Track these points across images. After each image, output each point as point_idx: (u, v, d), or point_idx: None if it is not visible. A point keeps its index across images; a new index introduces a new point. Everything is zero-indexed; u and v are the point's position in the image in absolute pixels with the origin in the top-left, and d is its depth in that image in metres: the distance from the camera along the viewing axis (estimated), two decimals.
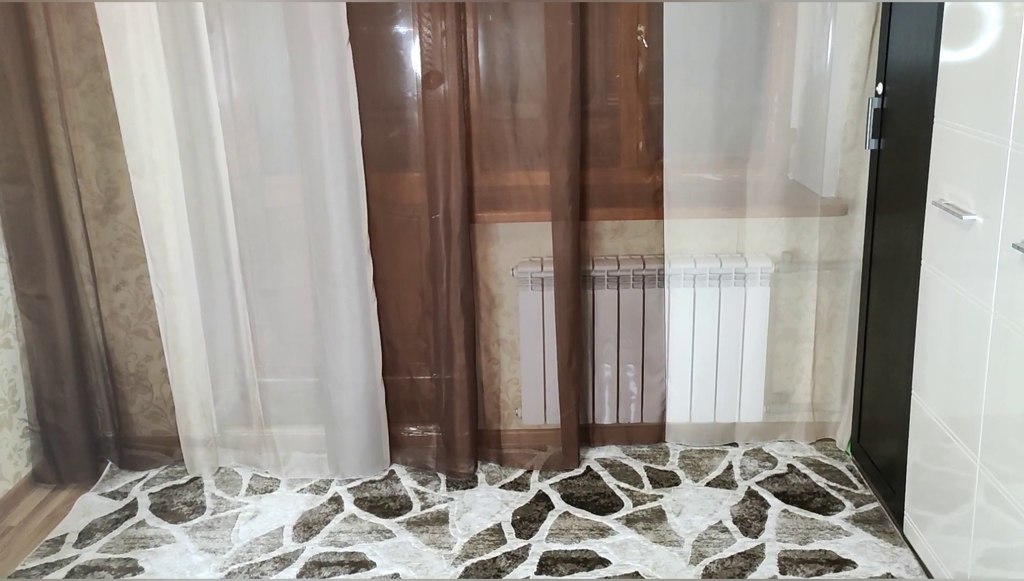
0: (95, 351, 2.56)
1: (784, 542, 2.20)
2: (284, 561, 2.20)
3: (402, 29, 2.47)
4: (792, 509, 2.34)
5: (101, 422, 2.64)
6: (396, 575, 2.14)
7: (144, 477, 2.63)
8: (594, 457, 2.66)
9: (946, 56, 1.84)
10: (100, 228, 2.48)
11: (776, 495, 2.41)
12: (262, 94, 2.48)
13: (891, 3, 2.16)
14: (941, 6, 1.84)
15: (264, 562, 2.20)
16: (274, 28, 2.37)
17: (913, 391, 2.06)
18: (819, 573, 2.07)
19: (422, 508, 2.43)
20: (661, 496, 2.43)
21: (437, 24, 2.33)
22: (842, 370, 2.61)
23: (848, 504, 2.35)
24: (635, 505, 2.39)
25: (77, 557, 2.24)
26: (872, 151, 2.31)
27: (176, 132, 2.36)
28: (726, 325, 2.55)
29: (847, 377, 2.58)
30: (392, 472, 2.63)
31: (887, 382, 2.29)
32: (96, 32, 2.27)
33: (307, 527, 2.35)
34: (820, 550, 2.16)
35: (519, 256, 2.57)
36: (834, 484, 2.45)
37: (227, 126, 2.41)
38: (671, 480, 2.52)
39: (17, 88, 2.25)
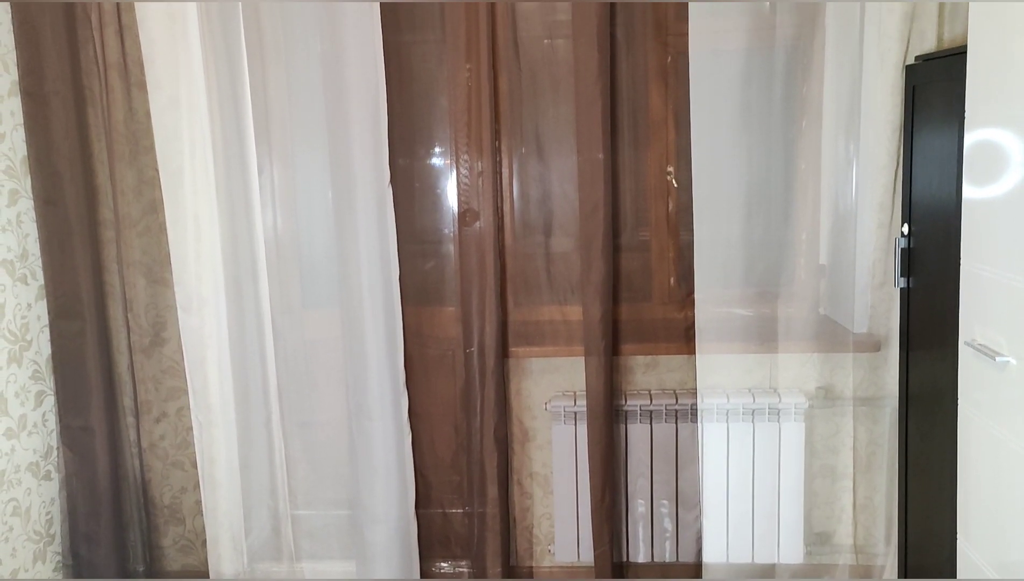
0: (132, 483, 2.59)
1: None
2: None
3: (440, 167, 2.60)
4: None
5: (133, 555, 2.63)
6: None
7: None
8: None
9: (968, 196, 1.87)
10: (145, 361, 2.56)
11: None
12: (305, 231, 2.60)
13: (912, 146, 2.23)
14: (961, 148, 1.89)
15: None
16: (319, 168, 2.51)
17: (959, 535, 2.00)
18: None
19: None
20: None
21: (474, 164, 2.45)
22: (884, 510, 2.54)
23: None
24: None
25: None
26: (902, 289, 2.33)
27: (223, 269, 2.46)
28: (761, 461, 2.51)
29: (890, 517, 2.51)
30: None
31: (931, 524, 2.22)
32: (155, 177, 2.41)
33: None
34: None
35: (552, 390, 2.59)
36: None
37: (271, 262, 2.51)
38: None
39: (79, 230, 2.39)
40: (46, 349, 2.45)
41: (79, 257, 2.40)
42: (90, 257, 2.42)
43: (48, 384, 2.48)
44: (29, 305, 2.40)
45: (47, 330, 2.45)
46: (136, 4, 2.31)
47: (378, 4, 2.33)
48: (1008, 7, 1.63)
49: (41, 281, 2.43)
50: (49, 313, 2.42)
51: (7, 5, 2.29)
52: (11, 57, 2.31)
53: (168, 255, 2.44)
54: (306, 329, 2.62)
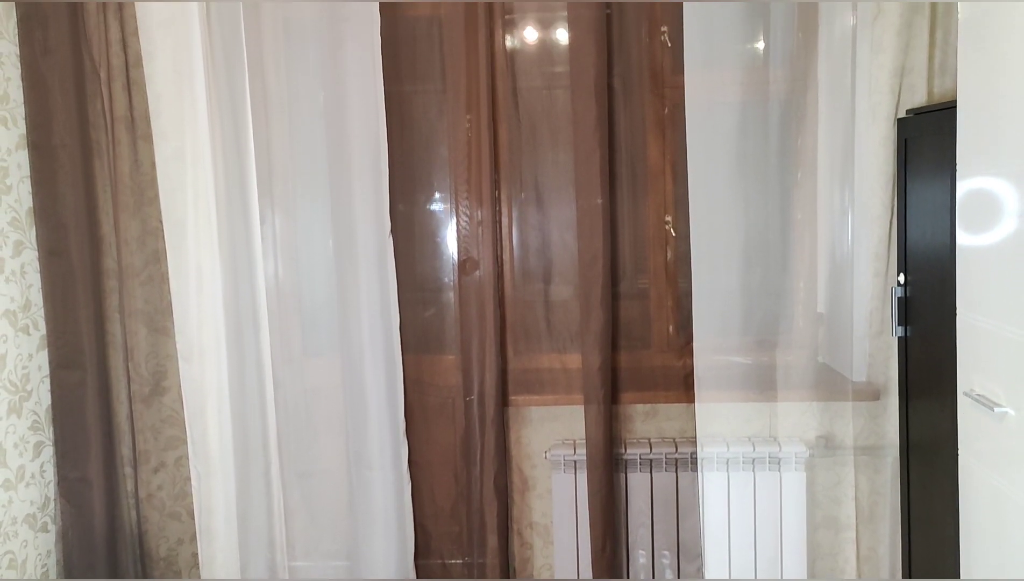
0: (128, 535, 2.57)
1: None
2: None
3: (441, 215, 2.63)
4: None
5: None
6: None
7: None
8: None
9: (962, 246, 1.89)
10: (145, 410, 2.55)
11: None
12: (306, 279, 2.62)
13: (906, 197, 2.27)
14: (954, 199, 1.92)
15: None
16: (321, 218, 2.54)
17: None
18: None
19: None
20: None
21: (474, 213, 2.48)
22: (888, 561, 2.52)
23: None
24: None
25: None
26: (900, 338, 2.35)
27: (224, 318, 2.47)
28: (763, 511, 2.50)
29: (894, 569, 2.49)
30: None
31: (935, 575, 2.20)
32: (159, 227, 2.44)
33: None
34: None
35: (552, 439, 2.59)
36: None
37: (272, 311, 2.53)
38: None
39: (82, 280, 2.40)
40: (46, 399, 2.45)
41: (81, 307, 2.41)
42: (92, 307, 2.43)
43: (47, 435, 2.47)
44: (30, 355, 2.40)
45: (47, 380, 2.45)
46: (145, 61, 2.35)
47: (380, 56, 2.38)
48: (997, 63, 1.67)
49: (43, 331, 2.44)
50: (50, 363, 2.43)
51: (16, 59, 2.34)
52: (19, 111, 2.35)
53: (170, 304, 2.45)
54: (306, 378, 2.62)
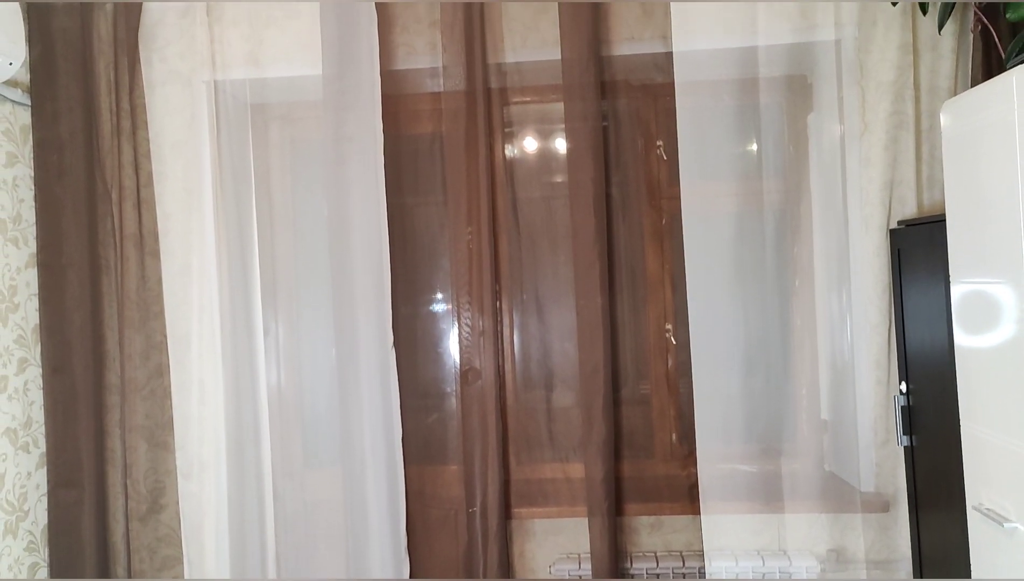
0: None
1: None
2: None
3: (443, 325, 2.65)
4: None
5: None
6: None
7: None
8: None
9: (960, 347, 1.89)
10: (141, 528, 2.50)
11: None
12: (309, 389, 2.63)
13: (902, 305, 2.29)
14: (949, 309, 1.94)
15: None
16: (324, 329, 2.57)
17: None
18: None
19: None
20: None
21: (476, 323, 2.49)
22: None
23: None
24: None
25: None
26: (905, 447, 2.33)
27: (226, 432, 2.46)
28: None
29: None
30: None
31: None
32: (163, 342, 2.46)
33: None
34: None
35: (556, 552, 2.53)
36: None
37: (274, 423, 2.52)
38: None
39: (84, 396, 2.40)
40: (43, 519, 2.42)
41: (82, 423, 2.40)
42: (93, 423, 2.42)
43: (42, 556, 2.42)
44: (29, 473, 2.38)
45: (45, 499, 2.42)
46: (156, 181, 2.44)
47: (383, 172, 2.44)
48: (981, 177, 1.72)
49: (43, 449, 2.42)
50: (48, 482, 2.40)
51: (30, 181, 2.41)
52: (31, 231, 2.41)
53: (171, 419, 2.45)
54: (307, 491, 2.59)
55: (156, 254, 2.44)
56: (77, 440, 2.40)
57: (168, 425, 2.47)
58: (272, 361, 2.58)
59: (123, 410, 2.48)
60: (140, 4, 2.45)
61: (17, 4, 2.30)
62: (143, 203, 2.43)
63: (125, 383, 2.47)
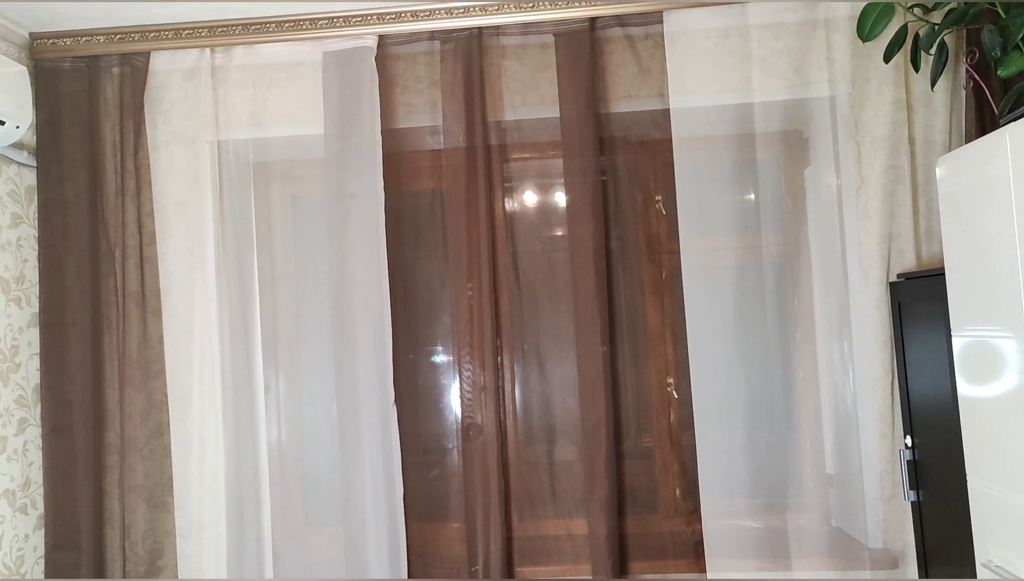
0: None
1: None
2: None
3: (444, 381, 2.64)
4: None
5: None
6: None
7: None
8: None
9: (964, 397, 1.88)
10: None
11: None
12: (309, 447, 2.61)
13: (904, 358, 2.28)
14: (952, 362, 1.94)
15: None
16: (325, 386, 2.56)
17: None
18: None
19: None
20: None
21: (477, 379, 2.48)
22: None
23: None
24: None
25: None
26: (912, 502, 2.30)
27: (226, 492, 2.44)
28: None
29: None
30: None
31: None
32: (164, 400, 2.45)
33: None
34: None
35: None
36: None
37: (274, 482, 2.50)
38: None
39: (83, 456, 2.39)
40: None
41: (81, 484, 2.38)
42: (92, 483, 2.40)
43: None
44: (27, 535, 2.36)
45: (42, 562, 2.39)
46: (159, 240, 2.46)
47: (384, 229, 2.46)
48: (979, 230, 1.73)
49: (40, 510, 2.40)
50: (46, 545, 2.38)
51: (34, 241, 2.43)
52: (34, 291, 2.42)
53: (171, 478, 2.43)
54: (307, 551, 2.56)
55: (158, 312, 2.45)
56: (76, 501, 2.38)
57: (168, 485, 2.45)
58: (273, 418, 2.57)
59: (122, 470, 2.46)
60: (146, 68, 2.50)
61: (25, 68, 2.35)
62: (146, 262, 2.44)
63: (125, 443, 2.46)
